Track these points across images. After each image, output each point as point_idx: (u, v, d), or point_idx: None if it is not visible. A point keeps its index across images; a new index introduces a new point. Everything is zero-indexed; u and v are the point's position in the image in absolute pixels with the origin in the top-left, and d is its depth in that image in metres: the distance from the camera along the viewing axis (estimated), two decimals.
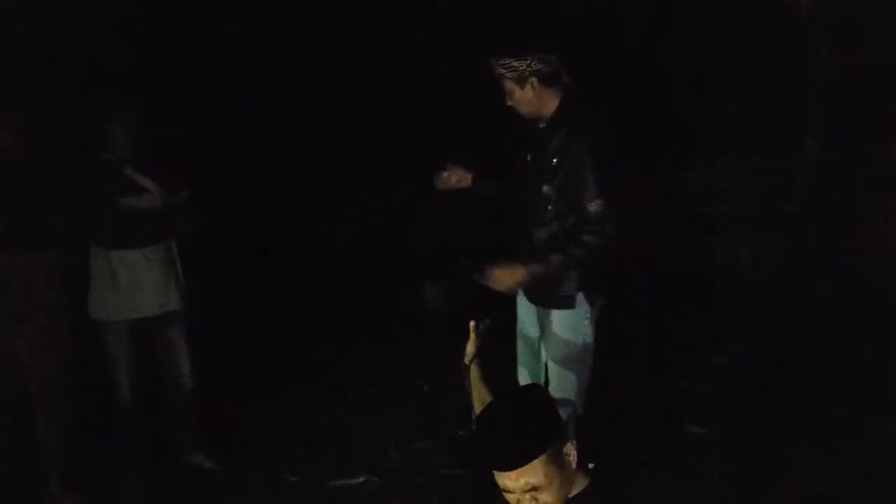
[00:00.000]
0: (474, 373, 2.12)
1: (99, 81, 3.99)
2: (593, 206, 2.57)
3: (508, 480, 1.49)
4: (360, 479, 3.41)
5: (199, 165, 3.67)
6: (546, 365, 2.85)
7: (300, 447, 3.71)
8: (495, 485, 1.52)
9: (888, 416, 3.61)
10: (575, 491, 1.55)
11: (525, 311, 2.96)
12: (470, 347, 2.14)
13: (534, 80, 2.65)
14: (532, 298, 2.87)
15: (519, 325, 2.99)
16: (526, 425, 1.51)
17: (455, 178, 3.00)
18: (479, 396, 2.06)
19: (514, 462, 1.47)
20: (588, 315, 2.75)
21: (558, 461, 1.50)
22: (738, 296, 5.40)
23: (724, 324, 4.88)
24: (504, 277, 2.64)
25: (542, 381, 2.84)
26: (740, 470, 3.29)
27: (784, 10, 6.36)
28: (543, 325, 2.83)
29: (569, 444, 1.54)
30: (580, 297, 2.73)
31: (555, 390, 2.71)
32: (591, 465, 1.59)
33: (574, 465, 1.54)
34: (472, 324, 2.15)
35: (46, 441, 3.18)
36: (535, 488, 1.48)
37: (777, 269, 5.86)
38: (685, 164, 6.60)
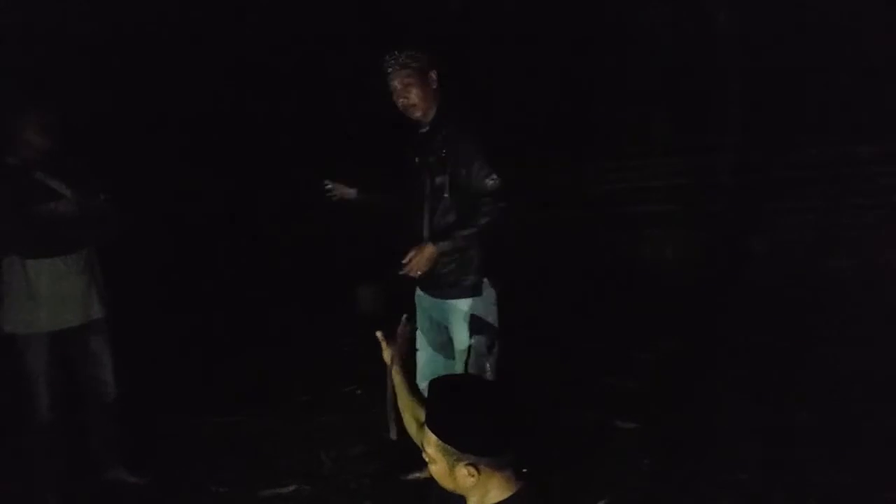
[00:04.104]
0: (397, 379, 2.07)
1: (5, 80, 3.79)
2: (490, 182, 2.71)
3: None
4: (292, 488, 3.35)
5: (117, 168, 3.53)
6: (462, 357, 2.87)
7: (228, 457, 3.62)
8: (430, 493, 1.51)
9: (802, 405, 3.76)
10: (505, 495, 1.55)
11: (430, 310, 2.98)
12: (385, 355, 2.10)
13: (433, 73, 2.78)
14: (437, 293, 2.91)
15: (422, 328, 3.02)
16: (465, 409, 1.56)
17: (338, 192, 3.12)
18: (405, 402, 2.01)
19: (428, 422, 1.58)
20: (495, 300, 2.86)
21: (450, 461, 1.54)
22: (663, 292, 5.55)
23: (649, 320, 5.00)
24: (420, 260, 2.73)
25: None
26: (668, 462, 3.37)
27: (703, 16, 6.57)
28: (453, 318, 2.87)
29: (468, 467, 1.53)
30: (486, 282, 2.83)
31: None
32: (524, 470, 1.60)
33: (472, 484, 1.55)
34: (378, 334, 2.11)
35: None
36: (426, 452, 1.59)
37: (699, 265, 6.05)
38: (612, 164, 6.75)
